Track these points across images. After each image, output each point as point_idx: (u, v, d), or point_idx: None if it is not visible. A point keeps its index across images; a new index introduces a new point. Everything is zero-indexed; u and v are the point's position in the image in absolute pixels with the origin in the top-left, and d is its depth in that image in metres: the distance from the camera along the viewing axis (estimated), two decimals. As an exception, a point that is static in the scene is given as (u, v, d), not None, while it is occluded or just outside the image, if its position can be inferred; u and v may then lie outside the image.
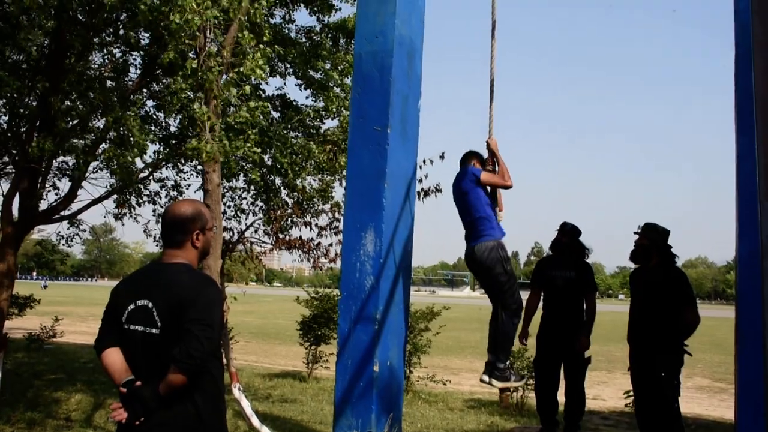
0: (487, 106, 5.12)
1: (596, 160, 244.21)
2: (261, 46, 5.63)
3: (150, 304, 2.35)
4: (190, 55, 5.74)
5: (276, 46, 7.29)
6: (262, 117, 7.02)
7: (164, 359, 2.27)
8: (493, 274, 4.66)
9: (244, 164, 7.86)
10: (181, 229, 2.48)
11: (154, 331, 2.33)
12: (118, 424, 2.33)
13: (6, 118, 8.19)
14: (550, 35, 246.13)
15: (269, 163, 8.04)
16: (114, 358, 2.41)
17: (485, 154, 5.03)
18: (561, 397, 5.54)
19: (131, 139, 6.68)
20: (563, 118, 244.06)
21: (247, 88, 5.75)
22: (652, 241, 4.89)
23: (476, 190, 4.79)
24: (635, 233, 5.04)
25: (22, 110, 8.02)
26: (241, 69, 5.39)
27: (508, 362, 4.82)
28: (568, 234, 5.52)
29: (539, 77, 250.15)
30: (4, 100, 7.83)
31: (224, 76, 5.56)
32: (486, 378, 4.77)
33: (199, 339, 2.24)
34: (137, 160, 7.05)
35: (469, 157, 5.03)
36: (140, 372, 2.35)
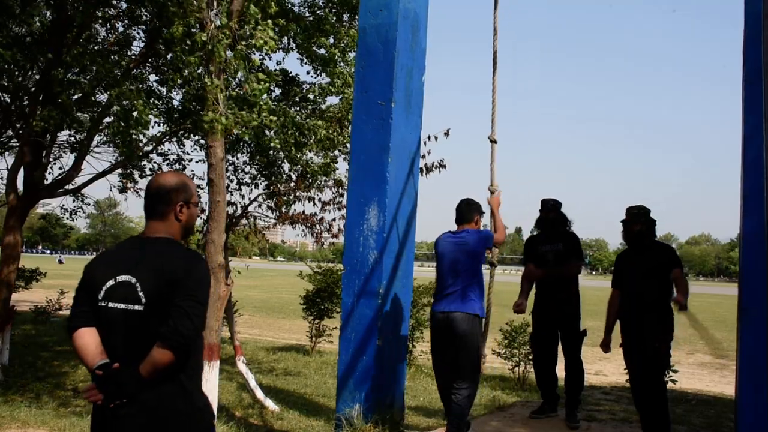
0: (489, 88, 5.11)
1: (600, 137, 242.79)
2: (268, 21, 5.54)
3: (133, 280, 2.22)
4: (196, 28, 5.67)
5: (279, 20, 7.21)
6: (267, 92, 6.95)
7: (147, 338, 2.15)
8: (471, 347, 4.50)
9: (259, 135, 7.73)
10: (164, 199, 2.35)
11: (137, 308, 2.20)
12: (94, 407, 2.22)
13: (7, 91, 8.15)
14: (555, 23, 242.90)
15: (273, 135, 7.99)
16: (88, 339, 2.24)
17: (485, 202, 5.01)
18: (561, 372, 5.59)
19: (134, 113, 6.65)
20: (568, 94, 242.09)
21: (257, 59, 5.66)
22: (647, 226, 4.94)
23: (483, 254, 4.74)
24: (624, 221, 5.03)
25: (25, 83, 7.98)
26: (252, 41, 5.32)
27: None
28: (551, 209, 5.56)
29: (541, 63, 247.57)
30: (6, 75, 7.78)
31: (230, 51, 5.50)
32: None
33: (189, 316, 2.14)
34: (140, 134, 7.03)
35: (473, 211, 4.83)
36: (117, 353, 2.20)
